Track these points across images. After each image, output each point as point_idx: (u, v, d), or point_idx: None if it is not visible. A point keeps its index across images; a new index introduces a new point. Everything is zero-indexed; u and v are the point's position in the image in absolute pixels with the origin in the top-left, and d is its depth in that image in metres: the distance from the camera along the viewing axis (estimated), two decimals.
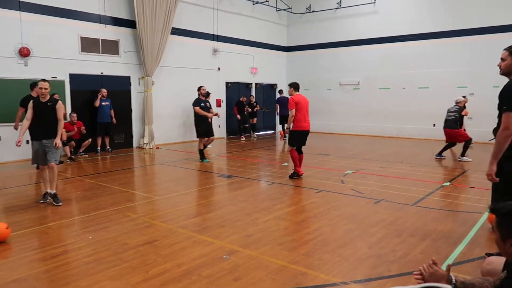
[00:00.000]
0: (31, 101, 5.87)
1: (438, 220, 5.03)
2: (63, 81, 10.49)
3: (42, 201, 5.86)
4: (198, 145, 9.80)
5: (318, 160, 9.76)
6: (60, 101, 5.90)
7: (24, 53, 9.64)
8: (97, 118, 10.90)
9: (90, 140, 10.61)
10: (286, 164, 9.42)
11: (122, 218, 5.16)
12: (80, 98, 10.82)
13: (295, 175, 7.62)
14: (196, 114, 9.62)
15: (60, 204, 5.74)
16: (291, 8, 17.50)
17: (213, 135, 9.89)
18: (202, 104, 9.60)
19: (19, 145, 5.80)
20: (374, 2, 15.24)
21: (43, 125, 5.74)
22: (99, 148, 11.11)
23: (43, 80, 5.77)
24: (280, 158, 10.83)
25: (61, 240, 4.44)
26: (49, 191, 5.87)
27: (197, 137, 9.85)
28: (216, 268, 3.61)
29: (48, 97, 5.83)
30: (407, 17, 14.69)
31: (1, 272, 3.59)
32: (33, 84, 8.47)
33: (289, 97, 7.86)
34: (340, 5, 16.09)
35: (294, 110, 7.50)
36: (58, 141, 5.73)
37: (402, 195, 6.28)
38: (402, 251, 4.01)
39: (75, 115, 10.20)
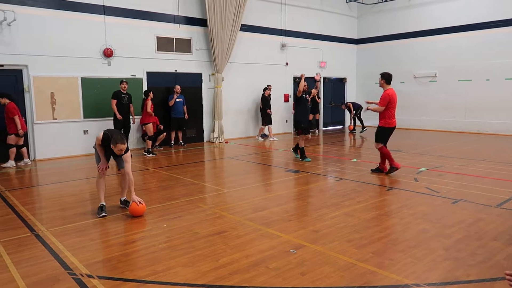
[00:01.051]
0: (102, 136, 5.07)
1: None
2: (141, 79, 11.23)
3: (102, 215, 5.12)
4: (299, 143, 9.02)
5: None
6: (129, 151, 5.14)
7: (107, 53, 10.47)
8: (171, 113, 11.51)
9: (165, 134, 11.25)
10: (355, 160, 9.17)
11: (194, 209, 5.41)
12: (156, 94, 11.48)
13: (394, 169, 7.38)
14: (298, 111, 9.10)
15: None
16: None
17: (309, 132, 9.38)
18: (306, 96, 9.05)
19: (102, 173, 5.21)
20: None
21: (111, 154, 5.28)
22: (172, 142, 11.73)
23: (122, 142, 4.88)
24: (348, 154, 10.57)
25: (139, 227, 4.77)
26: (121, 198, 5.53)
27: (298, 134, 9.10)
28: (283, 261, 3.65)
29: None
30: (489, 1, 13.44)
31: (88, 253, 3.96)
32: (121, 81, 10.09)
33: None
34: None
35: (383, 107, 7.22)
36: (134, 197, 5.05)
37: (484, 196, 5.80)
38: (483, 255, 3.71)
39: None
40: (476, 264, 3.52)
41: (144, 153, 10.30)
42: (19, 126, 8.58)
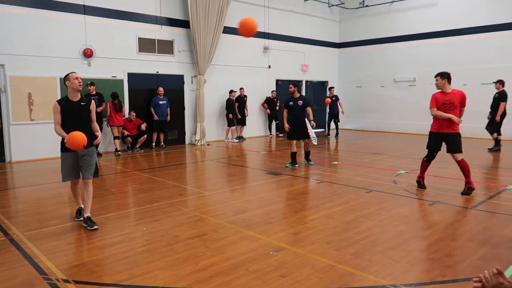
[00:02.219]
0: (56, 102, 4.70)
1: (500, 225, 4.70)
2: (122, 80, 11.09)
3: (79, 219, 4.99)
4: (291, 148, 8.69)
5: (369, 160, 9.50)
6: (93, 100, 4.99)
7: (87, 54, 10.30)
8: (154, 115, 11.40)
9: (145, 136, 11.13)
10: (335, 162, 9.27)
11: (174, 212, 5.37)
12: (137, 96, 11.37)
13: (471, 190, 6.22)
14: (287, 117, 8.62)
15: (96, 227, 4.67)
16: (343, 3, 17.13)
17: (307, 137, 8.64)
18: (290, 103, 8.47)
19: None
20: None
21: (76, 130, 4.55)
22: (154, 144, 11.60)
23: (73, 71, 4.71)
24: (328, 157, 10.67)
25: (118, 230, 4.70)
26: (84, 215, 4.85)
27: (287, 139, 8.90)
28: (263, 263, 3.65)
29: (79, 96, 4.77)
30: (468, 8, 13.84)
31: (64, 257, 3.88)
32: (86, 84, 9.56)
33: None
34: None
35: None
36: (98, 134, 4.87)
37: (460, 198, 5.94)
38: (458, 256, 3.80)
39: (134, 113, 10.83)
40: (452, 265, 3.60)
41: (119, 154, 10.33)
42: None
